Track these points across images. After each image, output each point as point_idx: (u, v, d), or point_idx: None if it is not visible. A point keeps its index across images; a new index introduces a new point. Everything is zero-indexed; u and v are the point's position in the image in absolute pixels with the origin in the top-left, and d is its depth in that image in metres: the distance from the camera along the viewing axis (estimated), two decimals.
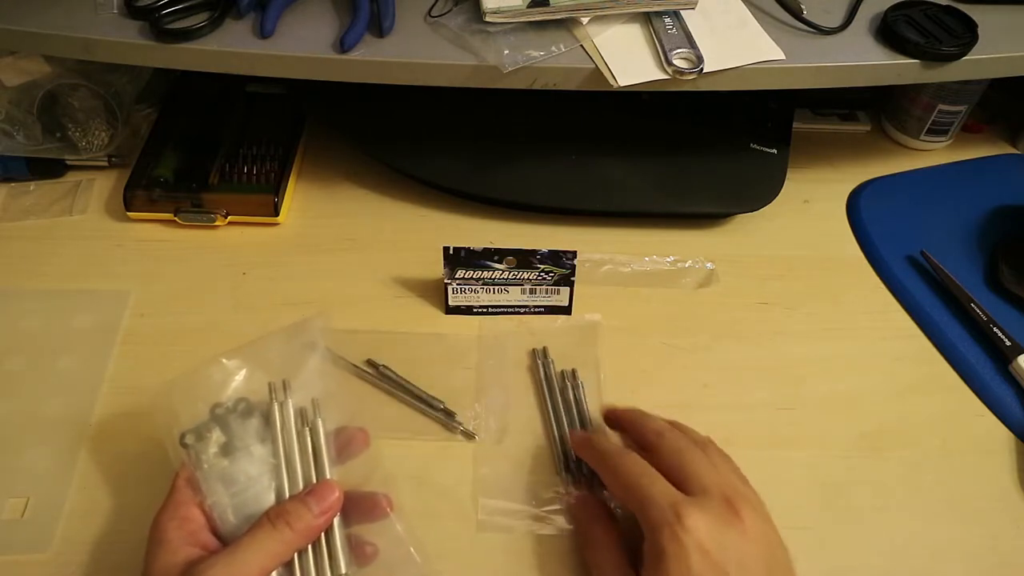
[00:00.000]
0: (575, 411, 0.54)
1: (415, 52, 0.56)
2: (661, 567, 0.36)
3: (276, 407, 0.44)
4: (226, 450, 0.43)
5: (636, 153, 0.68)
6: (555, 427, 0.53)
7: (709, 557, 0.37)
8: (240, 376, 0.46)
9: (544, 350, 0.57)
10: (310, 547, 0.41)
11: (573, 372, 0.56)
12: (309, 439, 0.44)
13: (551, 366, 0.56)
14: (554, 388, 0.55)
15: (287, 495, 0.42)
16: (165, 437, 0.43)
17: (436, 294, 0.61)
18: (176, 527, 0.39)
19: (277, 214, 0.64)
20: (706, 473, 0.41)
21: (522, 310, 0.60)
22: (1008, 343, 0.58)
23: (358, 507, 0.43)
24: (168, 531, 0.39)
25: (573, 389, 0.55)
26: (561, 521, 0.49)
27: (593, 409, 0.54)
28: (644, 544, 0.39)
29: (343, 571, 0.40)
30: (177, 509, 0.40)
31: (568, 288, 0.59)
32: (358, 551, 0.42)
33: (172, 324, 0.58)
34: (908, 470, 0.53)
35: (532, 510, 0.49)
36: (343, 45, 0.55)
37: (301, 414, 0.45)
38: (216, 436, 0.43)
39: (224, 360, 0.46)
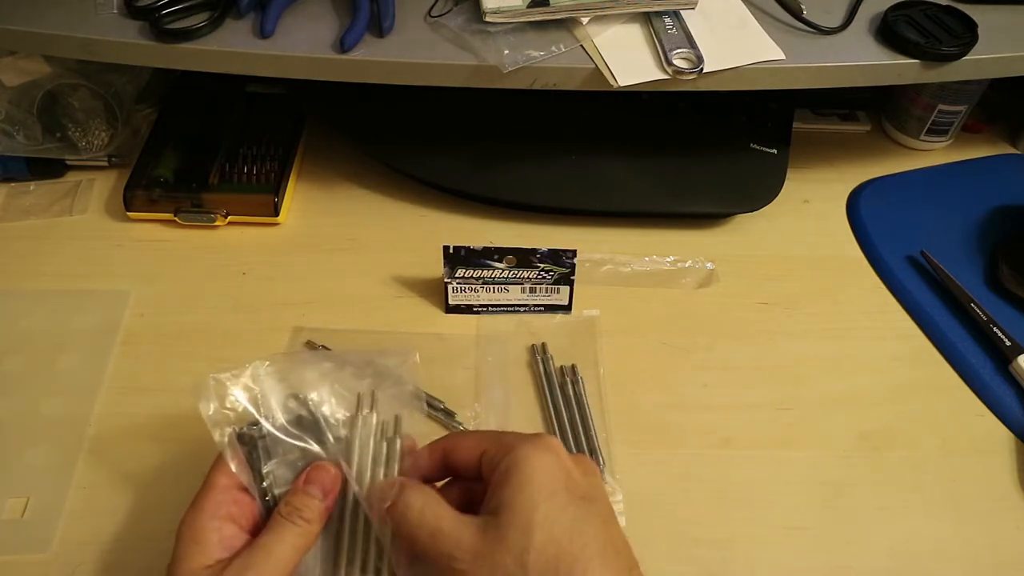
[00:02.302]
0: (575, 406, 0.54)
1: (415, 52, 0.56)
2: (525, 471, 0.36)
3: (360, 418, 0.44)
4: (301, 440, 0.42)
5: (636, 153, 0.68)
6: (555, 423, 0.53)
7: (571, 476, 0.37)
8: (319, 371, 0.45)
9: (543, 346, 0.57)
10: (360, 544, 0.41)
11: (573, 368, 0.56)
12: (385, 452, 0.43)
13: (550, 362, 0.56)
14: (554, 384, 0.55)
15: (355, 497, 0.41)
16: (215, 426, 0.42)
17: (436, 294, 0.61)
18: (215, 528, 0.38)
19: (277, 214, 0.64)
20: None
21: (522, 309, 0.60)
22: (1008, 343, 0.58)
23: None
24: (207, 531, 0.38)
25: (573, 385, 0.55)
26: None
27: (593, 404, 0.54)
28: (497, 470, 0.38)
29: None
30: (219, 509, 0.39)
31: (568, 287, 0.59)
32: None
33: (172, 324, 0.58)
34: (908, 470, 0.53)
35: None
36: (343, 45, 0.55)
37: (382, 427, 0.44)
38: (291, 427, 0.42)
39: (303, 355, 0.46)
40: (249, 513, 0.40)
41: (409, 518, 0.38)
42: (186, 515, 0.39)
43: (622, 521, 0.46)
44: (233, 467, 0.40)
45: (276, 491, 0.41)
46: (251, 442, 0.41)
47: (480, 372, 0.56)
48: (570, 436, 0.52)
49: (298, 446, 0.42)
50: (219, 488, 0.40)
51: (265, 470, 0.41)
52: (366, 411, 0.44)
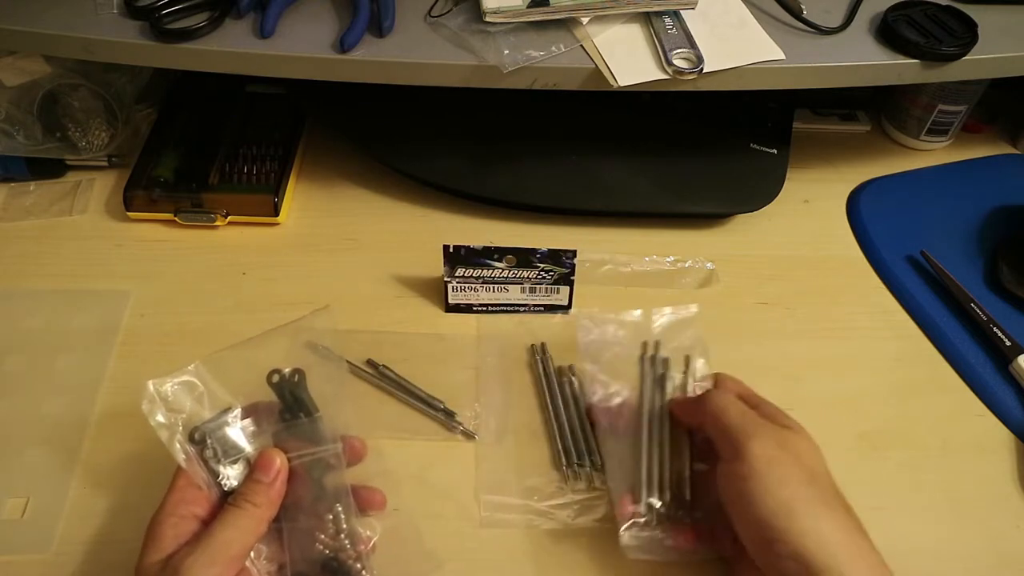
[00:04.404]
0: (574, 406, 0.54)
1: (415, 52, 0.56)
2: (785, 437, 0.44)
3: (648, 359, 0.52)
4: (250, 433, 0.43)
5: (636, 153, 0.68)
6: (555, 423, 0.53)
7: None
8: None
9: (543, 346, 0.57)
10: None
11: (571, 367, 0.56)
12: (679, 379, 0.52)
13: (550, 362, 0.56)
14: (553, 384, 0.55)
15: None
16: (161, 428, 0.42)
17: (436, 293, 0.61)
18: (172, 525, 0.40)
19: (277, 214, 0.64)
20: None
21: (522, 309, 0.60)
22: (1008, 343, 0.58)
23: (356, 498, 0.44)
24: (164, 528, 0.39)
25: (571, 385, 0.55)
26: (564, 515, 0.49)
27: None
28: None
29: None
30: (176, 507, 0.40)
31: (568, 287, 0.59)
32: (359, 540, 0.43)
33: (172, 324, 0.58)
34: (908, 470, 0.53)
35: (535, 505, 0.49)
36: (343, 45, 0.55)
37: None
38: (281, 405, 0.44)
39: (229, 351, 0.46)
40: (215, 509, 0.41)
41: (722, 403, 0.46)
42: (152, 515, 0.40)
43: None
44: (184, 467, 0.42)
45: (231, 484, 0.42)
46: (201, 440, 0.42)
47: (480, 372, 0.56)
48: (569, 436, 0.52)
49: (250, 439, 0.43)
50: (178, 488, 0.41)
51: (220, 467, 0.42)
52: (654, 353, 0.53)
